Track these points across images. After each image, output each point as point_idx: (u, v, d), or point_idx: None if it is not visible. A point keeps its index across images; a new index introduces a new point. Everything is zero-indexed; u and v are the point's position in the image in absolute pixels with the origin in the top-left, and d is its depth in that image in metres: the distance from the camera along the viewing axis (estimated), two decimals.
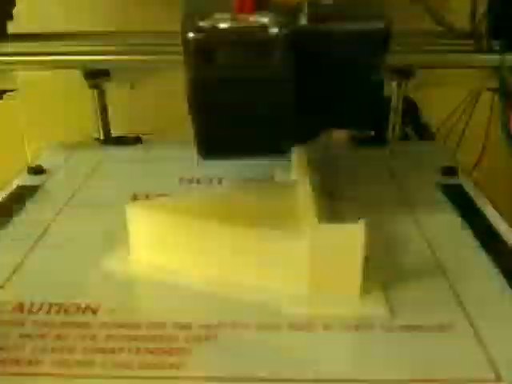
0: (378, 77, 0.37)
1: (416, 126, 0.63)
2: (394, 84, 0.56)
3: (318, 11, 0.35)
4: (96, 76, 0.57)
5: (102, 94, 0.59)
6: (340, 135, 0.55)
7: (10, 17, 0.54)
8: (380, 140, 0.58)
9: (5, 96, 0.57)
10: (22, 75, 0.59)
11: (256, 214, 0.36)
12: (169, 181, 0.49)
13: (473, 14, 0.52)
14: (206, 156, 0.38)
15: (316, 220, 0.33)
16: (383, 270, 0.36)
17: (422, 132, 0.63)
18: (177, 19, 0.35)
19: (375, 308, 0.33)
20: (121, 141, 0.60)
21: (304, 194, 0.38)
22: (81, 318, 0.32)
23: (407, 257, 0.38)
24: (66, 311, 0.33)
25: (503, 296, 0.34)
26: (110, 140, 0.61)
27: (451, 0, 0.59)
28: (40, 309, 0.33)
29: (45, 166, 0.53)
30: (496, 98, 0.51)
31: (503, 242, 0.40)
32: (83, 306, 0.33)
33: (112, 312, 0.33)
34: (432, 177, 0.50)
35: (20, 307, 0.33)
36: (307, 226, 0.33)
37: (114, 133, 0.62)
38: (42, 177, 0.51)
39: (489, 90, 0.55)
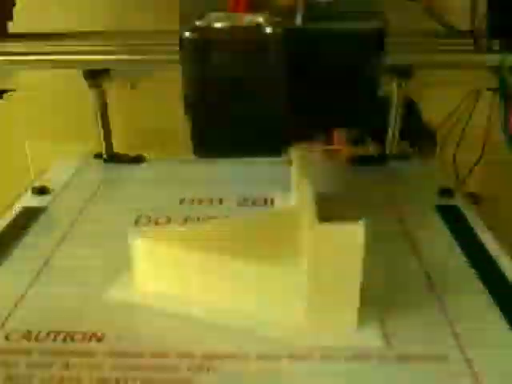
0: (373, 76, 0.37)
1: (417, 128, 0.62)
2: (394, 84, 0.56)
3: (314, 11, 0.35)
4: (96, 76, 0.57)
5: (102, 94, 0.59)
6: (339, 154, 0.55)
7: (10, 17, 0.54)
8: (378, 159, 0.58)
9: (5, 96, 0.57)
10: (22, 75, 0.59)
11: (256, 242, 0.36)
12: (170, 201, 0.50)
13: (473, 14, 0.52)
14: (202, 155, 0.38)
15: (316, 220, 0.33)
16: (380, 299, 0.36)
17: (423, 136, 0.62)
18: (176, 19, 0.35)
19: (372, 339, 0.33)
20: (123, 159, 0.60)
21: (304, 194, 0.38)
22: (86, 347, 0.33)
23: (404, 286, 0.38)
24: (72, 339, 0.33)
25: (499, 329, 0.34)
26: (111, 158, 0.61)
27: (451, 0, 0.59)
28: (47, 337, 0.33)
29: (49, 185, 0.53)
30: (496, 97, 0.51)
31: (500, 272, 0.40)
32: (89, 334, 0.34)
33: (116, 341, 0.33)
34: (429, 198, 0.50)
35: (27, 335, 0.33)
36: (307, 227, 0.33)
37: (115, 132, 0.62)
38: (46, 197, 0.52)
39: (489, 89, 0.55)
